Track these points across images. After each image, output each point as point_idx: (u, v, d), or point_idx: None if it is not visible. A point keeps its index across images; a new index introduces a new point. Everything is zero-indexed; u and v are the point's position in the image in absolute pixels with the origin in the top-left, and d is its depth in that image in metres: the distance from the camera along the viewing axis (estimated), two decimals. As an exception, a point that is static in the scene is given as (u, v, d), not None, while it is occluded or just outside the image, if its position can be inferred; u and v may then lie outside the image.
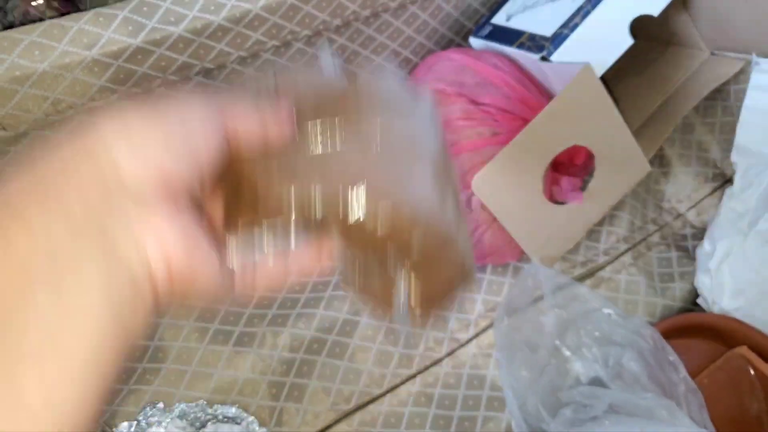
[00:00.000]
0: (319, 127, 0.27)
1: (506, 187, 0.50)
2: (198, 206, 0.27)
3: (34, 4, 0.51)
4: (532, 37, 0.55)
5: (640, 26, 0.53)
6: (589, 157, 0.53)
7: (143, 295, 0.22)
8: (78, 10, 0.51)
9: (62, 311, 0.20)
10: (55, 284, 0.20)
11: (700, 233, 0.62)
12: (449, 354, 0.55)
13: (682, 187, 0.66)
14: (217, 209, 0.29)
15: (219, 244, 0.27)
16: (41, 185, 0.22)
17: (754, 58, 0.55)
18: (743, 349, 0.52)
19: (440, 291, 0.29)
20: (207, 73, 0.49)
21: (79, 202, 0.22)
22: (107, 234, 0.21)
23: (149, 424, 0.50)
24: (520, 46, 0.55)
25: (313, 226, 0.28)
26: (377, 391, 0.53)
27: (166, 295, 0.23)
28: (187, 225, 0.24)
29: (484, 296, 0.58)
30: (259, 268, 0.29)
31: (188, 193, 0.25)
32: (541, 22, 0.55)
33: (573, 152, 0.54)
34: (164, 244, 0.23)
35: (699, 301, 0.58)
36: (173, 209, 0.24)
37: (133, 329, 0.22)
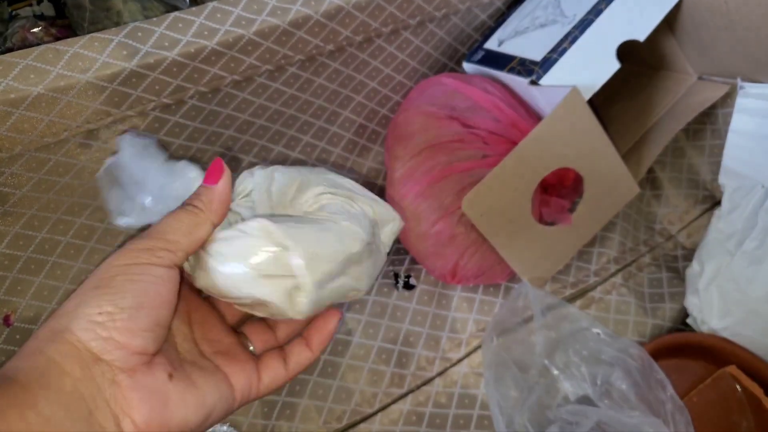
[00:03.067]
0: None
1: (496, 208, 0.51)
2: (169, 341, 0.35)
3: (33, 31, 0.52)
4: (522, 62, 0.56)
5: (629, 52, 0.54)
6: (578, 179, 0.54)
7: None
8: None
9: None
10: None
11: (690, 254, 0.62)
12: (440, 373, 0.55)
13: (674, 209, 0.66)
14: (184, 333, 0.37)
15: (197, 365, 0.35)
16: (36, 370, 0.28)
17: (740, 82, 0.56)
18: (732, 368, 0.53)
19: None
20: (201, 96, 0.50)
21: (70, 383, 0.28)
22: (93, 415, 0.28)
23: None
24: (511, 71, 0.56)
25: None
26: (368, 410, 0.53)
27: None
28: (155, 386, 0.31)
29: (476, 316, 0.58)
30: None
31: (157, 345, 0.32)
32: (531, 47, 0.56)
33: (562, 174, 0.55)
34: (134, 416, 0.30)
35: (689, 321, 0.58)
36: (143, 373, 0.31)
37: None
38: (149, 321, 0.31)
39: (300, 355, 0.40)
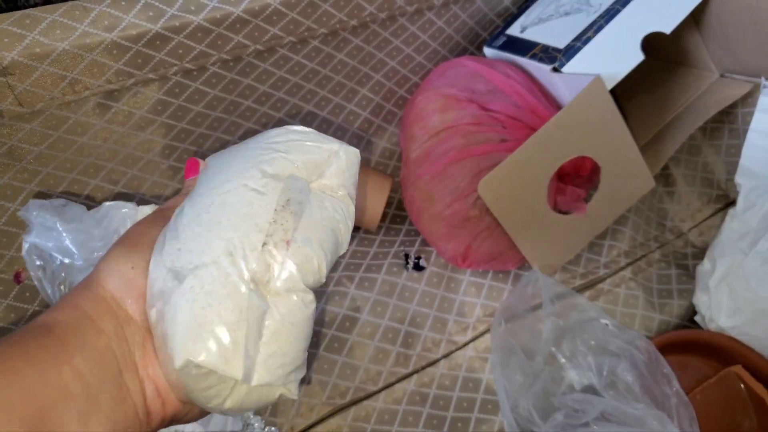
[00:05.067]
0: None
1: (511, 193, 0.51)
2: None
3: (57, -13, 0.52)
4: (545, 49, 0.55)
5: (652, 46, 0.54)
6: (595, 169, 0.54)
7: (142, 426, 0.29)
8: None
9: None
10: (84, 414, 0.26)
11: (700, 253, 0.62)
12: (446, 356, 0.55)
13: (686, 207, 0.66)
14: None
15: None
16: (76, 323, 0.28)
17: (763, 81, 0.56)
18: (737, 368, 0.53)
19: None
20: (223, 64, 0.49)
21: (104, 341, 0.28)
22: (121, 375, 0.28)
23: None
24: (533, 57, 0.56)
25: None
26: (373, 388, 0.53)
27: (160, 420, 0.30)
28: None
29: (484, 301, 0.58)
30: None
31: None
32: (555, 35, 0.56)
33: (579, 163, 0.55)
34: (158, 382, 0.30)
35: (696, 318, 0.58)
36: None
37: None
38: None
39: None
